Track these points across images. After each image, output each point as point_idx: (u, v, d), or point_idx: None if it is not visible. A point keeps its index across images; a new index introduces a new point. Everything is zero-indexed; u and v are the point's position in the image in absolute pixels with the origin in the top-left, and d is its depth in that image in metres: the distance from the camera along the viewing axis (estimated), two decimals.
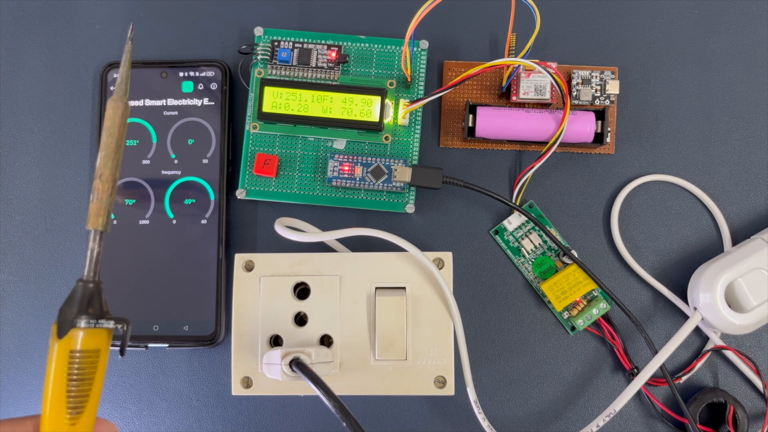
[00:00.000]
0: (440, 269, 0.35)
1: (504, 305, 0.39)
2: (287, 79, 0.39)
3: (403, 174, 0.38)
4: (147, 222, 0.39)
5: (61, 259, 0.40)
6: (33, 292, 0.40)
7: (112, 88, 0.40)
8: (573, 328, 0.39)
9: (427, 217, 0.40)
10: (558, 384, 0.39)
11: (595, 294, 0.39)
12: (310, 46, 0.39)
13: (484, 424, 0.36)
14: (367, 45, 0.40)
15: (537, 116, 0.38)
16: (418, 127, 0.39)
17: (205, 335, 0.38)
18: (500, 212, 0.40)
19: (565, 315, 0.39)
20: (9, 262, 0.41)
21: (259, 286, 0.36)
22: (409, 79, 0.39)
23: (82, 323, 0.25)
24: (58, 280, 0.40)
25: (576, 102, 0.39)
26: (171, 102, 0.40)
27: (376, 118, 0.38)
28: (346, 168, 0.38)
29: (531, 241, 0.39)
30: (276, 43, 0.39)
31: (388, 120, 0.39)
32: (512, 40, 0.37)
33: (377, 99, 0.38)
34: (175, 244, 0.39)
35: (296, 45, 0.39)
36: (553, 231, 0.39)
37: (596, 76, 0.39)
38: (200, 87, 0.40)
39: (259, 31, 0.40)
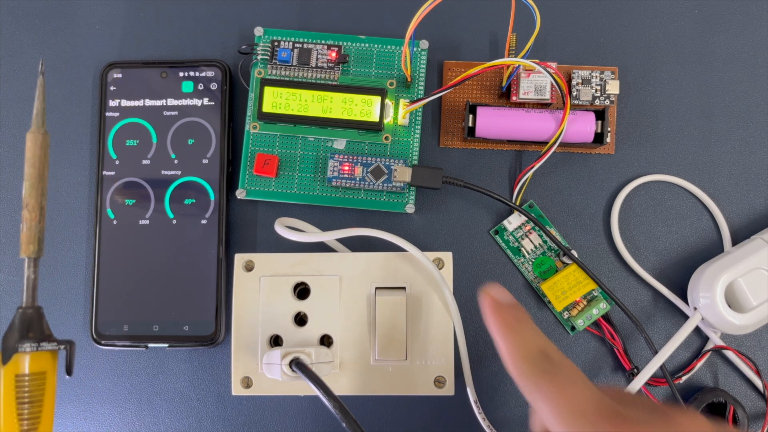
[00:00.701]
0: (440, 269, 0.35)
1: None
2: (287, 79, 0.39)
3: (403, 174, 0.38)
4: (147, 222, 0.39)
5: (61, 259, 0.40)
6: None
7: (112, 88, 0.40)
8: (573, 328, 0.39)
9: (427, 217, 0.40)
10: None
11: (595, 294, 0.39)
12: (310, 46, 0.39)
13: (484, 424, 0.36)
14: (367, 45, 0.40)
15: (537, 116, 0.38)
16: (418, 127, 0.39)
17: (205, 335, 0.38)
18: (500, 212, 0.40)
19: (565, 315, 0.39)
20: (9, 262, 0.41)
21: (259, 286, 0.36)
22: (409, 79, 0.39)
23: (26, 347, 0.26)
24: (58, 280, 0.40)
25: (576, 102, 0.39)
26: (171, 102, 0.40)
27: (376, 118, 0.38)
28: (346, 168, 0.38)
29: (531, 241, 0.39)
30: (276, 43, 0.39)
31: (388, 120, 0.39)
32: (512, 40, 0.37)
33: (377, 99, 0.38)
34: (175, 244, 0.39)
35: (296, 45, 0.39)
36: (553, 231, 0.39)
37: (596, 76, 0.39)
38: (200, 87, 0.40)
39: (259, 31, 0.40)
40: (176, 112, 0.40)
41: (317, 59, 0.39)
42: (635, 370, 0.38)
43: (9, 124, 0.41)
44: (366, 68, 0.39)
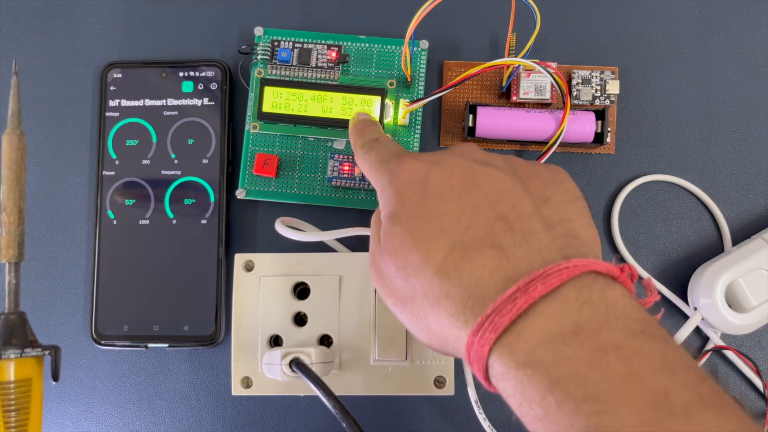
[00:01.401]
0: None
1: None
2: (287, 79, 0.39)
3: None
4: (147, 222, 0.39)
5: (61, 259, 0.40)
6: (32, 292, 0.40)
7: (112, 88, 0.40)
8: None
9: None
10: None
11: None
12: (310, 46, 0.39)
13: (485, 424, 0.36)
14: (367, 45, 0.40)
15: (537, 116, 0.38)
16: (419, 127, 0.39)
17: (205, 335, 0.38)
18: None
19: None
20: None
21: (259, 286, 0.36)
22: (409, 79, 0.39)
23: (9, 354, 0.25)
24: (58, 280, 0.40)
25: (576, 102, 0.39)
26: (171, 102, 0.40)
27: (376, 118, 0.38)
28: (346, 168, 0.38)
29: None
30: (276, 43, 0.39)
31: (388, 120, 0.39)
32: (512, 40, 0.37)
33: (377, 99, 0.38)
34: (175, 244, 0.39)
35: (296, 45, 0.39)
36: None
37: (596, 76, 0.39)
38: (200, 87, 0.40)
39: (259, 31, 0.40)
40: (176, 112, 0.40)
41: (317, 59, 0.39)
42: None
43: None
44: (366, 68, 0.39)
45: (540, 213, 0.24)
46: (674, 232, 0.40)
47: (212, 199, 0.39)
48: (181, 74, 0.40)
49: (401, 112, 0.39)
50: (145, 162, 0.40)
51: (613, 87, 0.39)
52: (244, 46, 0.39)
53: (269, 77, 0.39)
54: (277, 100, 0.38)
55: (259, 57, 0.39)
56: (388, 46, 0.40)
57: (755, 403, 0.38)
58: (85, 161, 0.41)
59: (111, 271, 0.39)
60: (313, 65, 0.39)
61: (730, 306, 0.36)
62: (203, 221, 0.39)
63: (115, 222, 0.39)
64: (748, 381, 0.38)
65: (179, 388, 0.39)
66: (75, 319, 0.40)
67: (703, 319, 0.37)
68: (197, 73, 0.40)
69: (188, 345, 0.38)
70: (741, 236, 0.39)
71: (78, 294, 0.40)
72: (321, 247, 0.38)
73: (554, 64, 0.37)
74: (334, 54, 0.39)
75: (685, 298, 0.39)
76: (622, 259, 0.39)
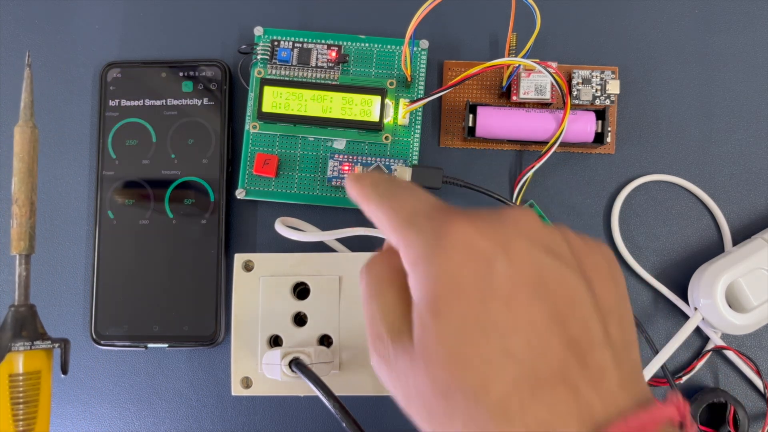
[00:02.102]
0: None
1: None
2: (287, 78, 0.39)
3: (403, 174, 0.37)
4: (147, 222, 0.39)
5: (60, 259, 0.40)
6: (32, 292, 0.40)
7: (112, 88, 0.40)
8: None
9: None
10: None
11: None
12: (310, 45, 0.39)
13: None
14: (367, 45, 0.39)
15: (537, 116, 0.38)
16: (418, 126, 0.39)
17: (205, 335, 0.38)
18: None
19: None
20: (9, 261, 0.40)
21: (259, 286, 0.36)
22: (409, 79, 0.38)
23: (19, 347, 0.25)
24: (57, 280, 0.40)
25: (576, 102, 0.39)
26: (171, 102, 0.40)
27: (376, 117, 0.38)
28: (346, 168, 0.38)
29: None
30: (276, 43, 0.39)
31: (388, 120, 0.39)
32: (512, 39, 0.37)
33: (377, 99, 0.38)
34: (174, 244, 0.39)
35: (296, 45, 0.39)
36: None
37: (596, 76, 0.39)
38: (200, 87, 0.40)
39: (259, 30, 0.40)
40: (176, 112, 0.40)
41: (317, 59, 0.39)
42: None
43: (10, 124, 0.41)
44: (366, 68, 0.39)
45: (608, 337, 0.20)
46: (674, 232, 0.40)
47: (212, 199, 0.39)
48: (180, 74, 0.40)
49: (401, 111, 0.39)
50: (145, 162, 0.40)
51: (614, 87, 0.39)
52: (243, 46, 0.39)
53: (269, 77, 0.39)
54: (276, 100, 0.38)
55: (258, 57, 0.39)
56: (388, 46, 0.39)
57: (755, 403, 0.38)
58: (84, 161, 0.41)
59: (111, 271, 0.39)
60: (313, 65, 0.39)
61: (730, 306, 0.36)
62: (203, 221, 0.39)
63: (114, 222, 0.39)
64: (748, 381, 0.38)
65: (179, 388, 0.39)
66: (74, 319, 0.40)
67: (703, 319, 0.37)
68: (197, 73, 0.40)
69: (188, 345, 0.38)
70: (741, 236, 0.39)
71: (78, 294, 0.40)
72: (321, 247, 0.38)
73: (554, 64, 0.37)
74: (334, 54, 0.39)
75: (685, 298, 0.39)
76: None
